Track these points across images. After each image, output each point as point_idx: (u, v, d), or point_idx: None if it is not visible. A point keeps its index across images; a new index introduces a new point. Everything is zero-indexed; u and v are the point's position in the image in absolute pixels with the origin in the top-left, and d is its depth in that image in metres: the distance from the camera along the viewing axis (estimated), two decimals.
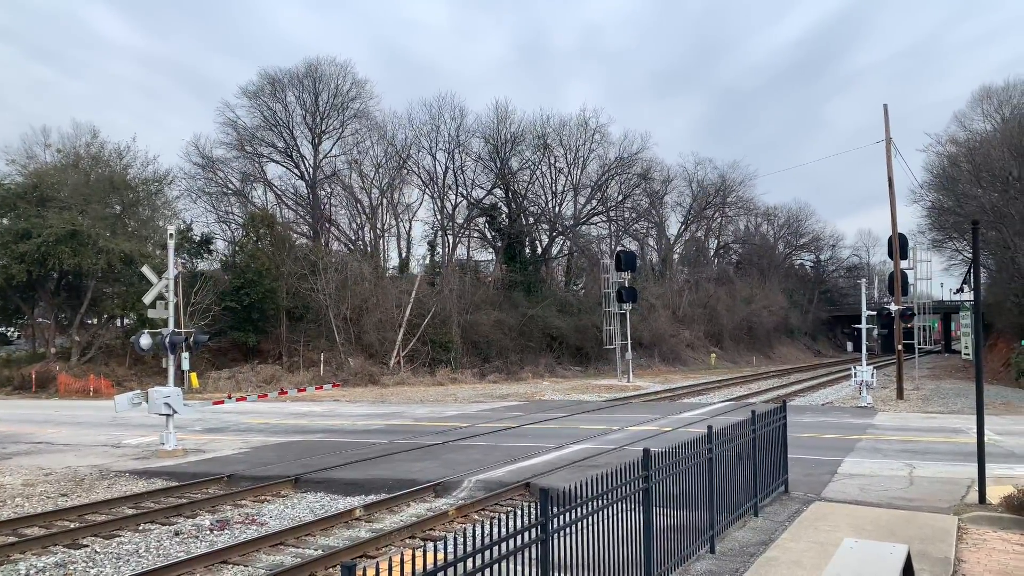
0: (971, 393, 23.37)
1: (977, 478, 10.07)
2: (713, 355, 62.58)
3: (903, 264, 29.60)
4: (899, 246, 29.16)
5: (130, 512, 10.79)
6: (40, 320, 43.62)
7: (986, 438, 10.59)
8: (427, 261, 54.98)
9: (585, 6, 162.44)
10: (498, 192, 58.06)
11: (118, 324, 42.47)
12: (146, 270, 17.17)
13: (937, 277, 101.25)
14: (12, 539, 9.31)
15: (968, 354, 42.85)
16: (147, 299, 16.64)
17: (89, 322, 42.70)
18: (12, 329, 49.25)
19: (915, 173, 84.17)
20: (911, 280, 31.66)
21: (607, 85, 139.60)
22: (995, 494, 9.81)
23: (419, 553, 4.70)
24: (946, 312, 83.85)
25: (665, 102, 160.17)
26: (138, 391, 16.74)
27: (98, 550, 8.95)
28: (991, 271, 45.17)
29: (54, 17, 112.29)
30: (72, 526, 9.95)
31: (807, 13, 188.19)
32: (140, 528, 10.01)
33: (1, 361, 41.60)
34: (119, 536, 9.60)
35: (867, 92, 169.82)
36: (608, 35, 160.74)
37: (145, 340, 16.10)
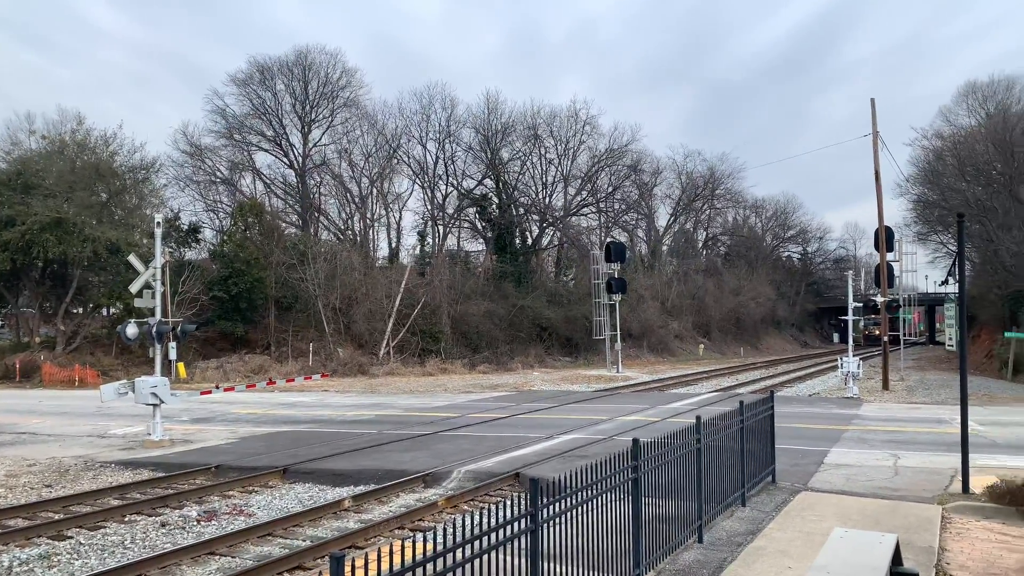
0: (955, 384, 23.64)
1: (961, 468, 10.18)
2: (701, 346, 62.90)
3: (889, 256, 29.84)
4: (885, 239, 29.39)
5: (116, 503, 10.72)
6: (24, 309, 43.14)
7: (970, 429, 10.70)
8: (417, 251, 54.85)
9: None
10: (488, 183, 57.95)
11: (104, 313, 42.10)
12: (133, 259, 16.99)
13: (922, 269, 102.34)
14: None
15: (952, 345, 43.29)
16: (134, 288, 16.50)
17: (74, 311, 42.26)
18: None
19: (901, 167, 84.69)
20: (897, 272, 32.01)
21: (597, 77, 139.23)
22: (978, 484, 9.93)
23: (408, 544, 4.69)
24: (931, 304, 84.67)
25: (655, 95, 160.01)
26: (124, 381, 16.62)
27: (83, 541, 8.88)
28: (975, 264, 45.57)
29: (45, 4, 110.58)
30: (56, 517, 9.87)
31: (797, 8, 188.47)
32: (126, 519, 9.95)
33: None
34: (104, 527, 9.53)
35: (856, 86, 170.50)
36: (599, 28, 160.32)
37: (131, 329, 15.97)
